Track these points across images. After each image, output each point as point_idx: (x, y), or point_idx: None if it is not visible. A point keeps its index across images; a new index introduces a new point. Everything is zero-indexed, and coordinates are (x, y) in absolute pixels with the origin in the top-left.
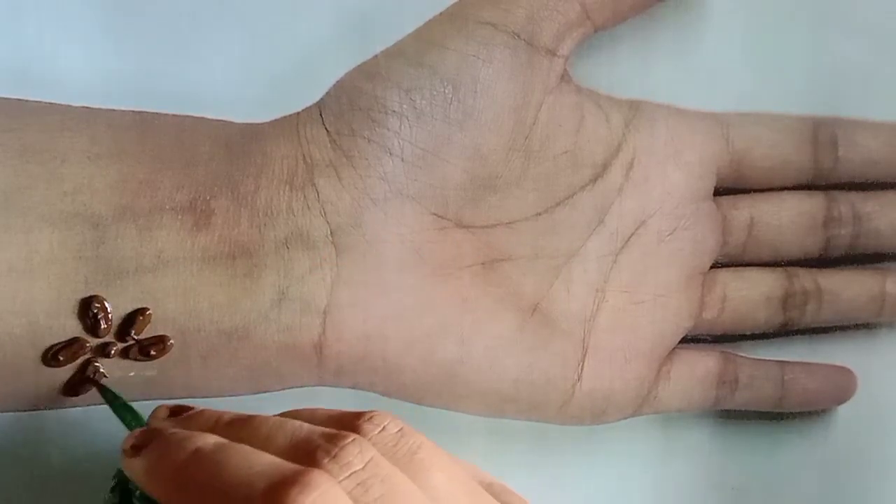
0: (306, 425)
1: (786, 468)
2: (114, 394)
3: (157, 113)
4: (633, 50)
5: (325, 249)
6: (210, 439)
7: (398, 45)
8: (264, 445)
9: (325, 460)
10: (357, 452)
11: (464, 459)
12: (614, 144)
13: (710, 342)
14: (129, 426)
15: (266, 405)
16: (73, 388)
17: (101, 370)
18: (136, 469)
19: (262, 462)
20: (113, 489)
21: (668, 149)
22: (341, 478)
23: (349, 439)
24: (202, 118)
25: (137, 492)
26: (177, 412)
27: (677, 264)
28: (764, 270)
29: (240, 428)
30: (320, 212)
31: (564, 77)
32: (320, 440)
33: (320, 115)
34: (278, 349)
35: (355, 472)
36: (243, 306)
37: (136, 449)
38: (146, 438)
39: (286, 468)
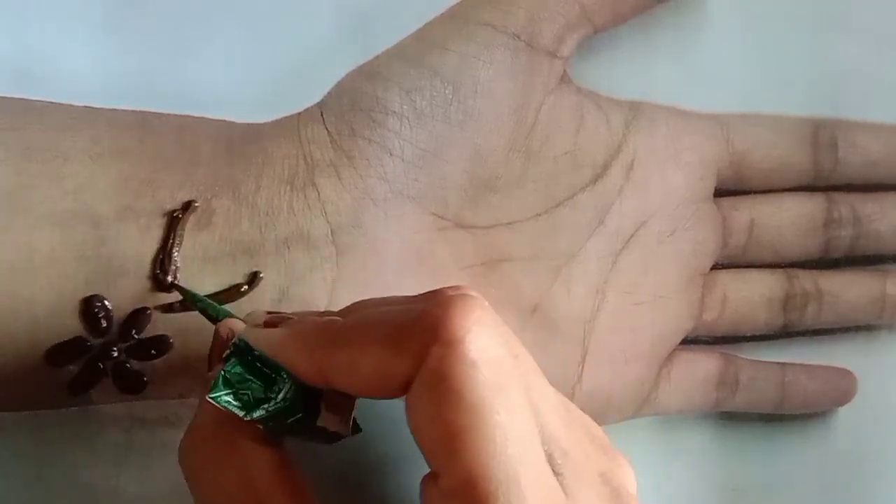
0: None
1: (786, 470)
2: (192, 293)
3: (158, 113)
4: (633, 51)
5: (325, 249)
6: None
7: (399, 45)
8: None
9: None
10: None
11: None
12: (614, 145)
13: (710, 344)
14: (216, 317)
15: None
16: (77, 387)
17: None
18: (274, 336)
19: (406, 305)
20: (228, 358)
21: (668, 150)
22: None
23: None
24: (203, 118)
25: (256, 353)
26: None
27: (678, 265)
28: (764, 272)
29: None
30: (321, 212)
31: (564, 78)
32: (433, 293)
33: (321, 115)
34: None
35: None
36: (243, 306)
37: (271, 323)
38: (278, 319)
39: (436, 294)
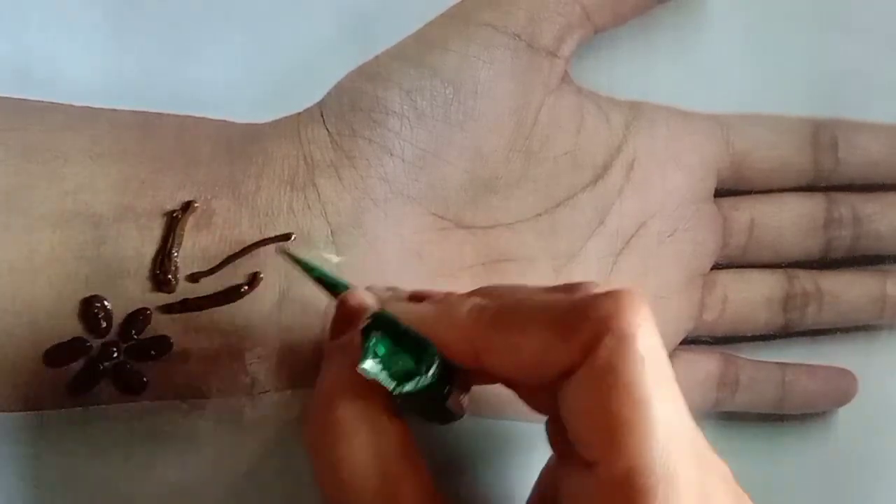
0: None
1: (786, 470)
2: (306, 262)
3: (158, 113)
4: (633, 51)
5: (325, 250)
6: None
7: (399, 46)
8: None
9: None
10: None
11: None
12: (615, 145)
13: (710, 344)
14: (337, 288)
15: None
16: (77, 388)
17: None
18: (424, 312)
19: (565, 296)
20: (369, 331)
21: (668, 150)
22: None
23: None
24: (203, 118)
25: (402, 327)
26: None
27: (678, 265)
28: (764, 272)
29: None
30: (321, 212)
31: (565, 78)
32: (582, 286)
33: (321, 115)
34: (279, 349)
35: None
36: (244, 307)
37: (416, 298)
38: (421, 295)
39: (585, 289)
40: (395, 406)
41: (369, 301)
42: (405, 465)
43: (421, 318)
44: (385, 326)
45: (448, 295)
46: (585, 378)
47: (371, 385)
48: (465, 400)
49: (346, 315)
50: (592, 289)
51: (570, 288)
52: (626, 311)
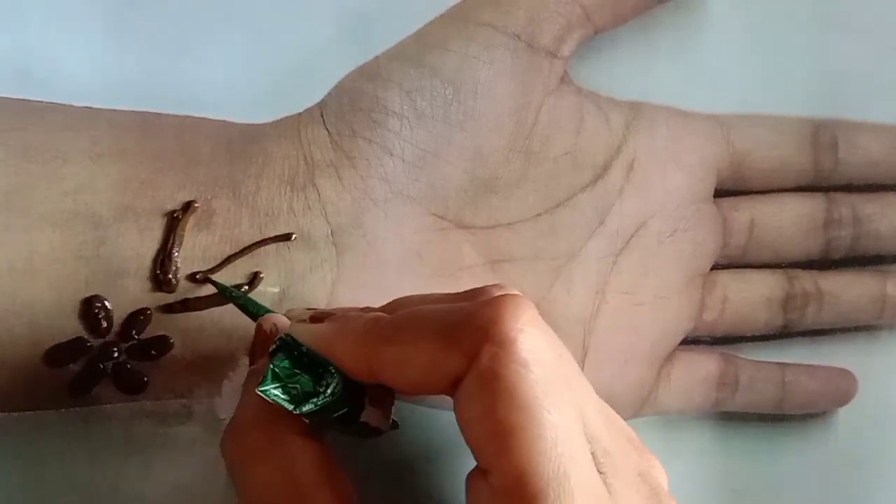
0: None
1: (786, 470)
2: (230, 289)
3: (158, 113)
4: (633, 51)
5: (325, 250)
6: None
7: (399, 46)
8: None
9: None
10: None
11: None
12: (615, 146)
13: (710, 344)
14: (256, 313)
15: None
16: (78, 388)
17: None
18: (321, 331)
19: (455, 303)
20: (274, 354)
21: (668, 150)
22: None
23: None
24: (203, 118)
25: (304, 348)
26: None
27: (678, 266)
28: (764, 272)
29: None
30: (321, 212)
31: (565, 78)
32: (480, 291)
33: (321, 115)
34: None
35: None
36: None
37: (316, 319)
38: (323, 314)
39: (485, 294)
40: (308, 426)
41: (282, 324)
42: (320, 483)
43: (319, 338)
44: (287, 349)
45: (346, 313)
46: (471, 386)
47: (279, 408)
48: (392, 412)
49: (262, 340)
50: (493, 293)
51: (470, 294)
52: (505, 317)
